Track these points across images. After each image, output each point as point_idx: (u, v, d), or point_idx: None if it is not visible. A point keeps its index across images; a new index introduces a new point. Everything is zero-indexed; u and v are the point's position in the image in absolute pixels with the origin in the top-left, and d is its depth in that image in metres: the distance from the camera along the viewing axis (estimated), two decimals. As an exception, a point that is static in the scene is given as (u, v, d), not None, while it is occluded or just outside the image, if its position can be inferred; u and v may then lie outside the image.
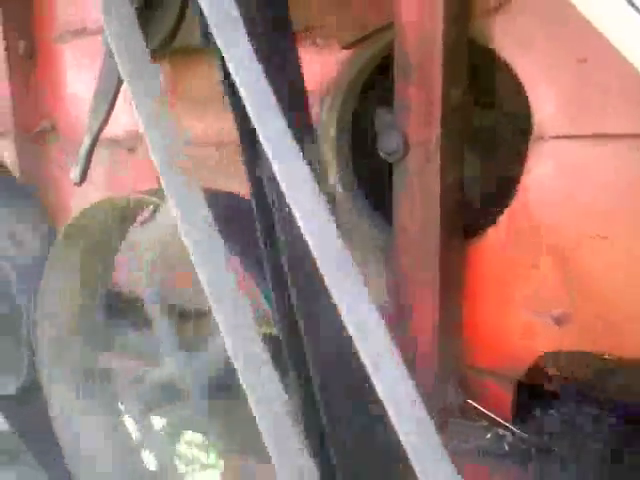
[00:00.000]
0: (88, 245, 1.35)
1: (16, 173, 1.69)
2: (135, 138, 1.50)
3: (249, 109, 0.75)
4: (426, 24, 0.93)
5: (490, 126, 1.22)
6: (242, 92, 0.76)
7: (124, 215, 1.34)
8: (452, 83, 0.94)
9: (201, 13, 0.93)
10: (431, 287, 0.99)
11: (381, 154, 0.99)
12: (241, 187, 1.14)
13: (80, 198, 1.62)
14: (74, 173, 1.42)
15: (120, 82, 1.33)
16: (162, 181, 0.84)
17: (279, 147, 0.72)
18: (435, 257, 0.98)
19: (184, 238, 0.78)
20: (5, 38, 1.63)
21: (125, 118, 1.46)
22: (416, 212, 0.98)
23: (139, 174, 1.51)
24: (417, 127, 0.96)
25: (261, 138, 0.74)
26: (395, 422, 0.58)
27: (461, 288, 1.03)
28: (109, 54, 1.35)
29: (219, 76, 1.00)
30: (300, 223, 0.66)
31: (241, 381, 0.66)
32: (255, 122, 0.74)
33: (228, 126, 1.29)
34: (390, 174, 1.03)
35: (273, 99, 0.74)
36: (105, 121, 1.37)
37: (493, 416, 1.06)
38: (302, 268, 0.91)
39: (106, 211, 1.28)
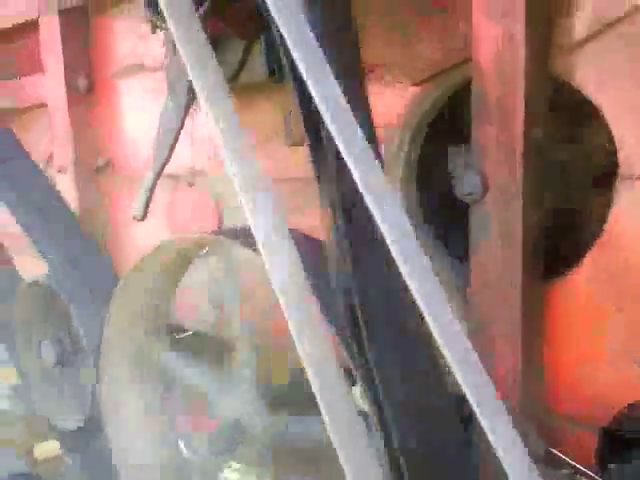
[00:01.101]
0: (150, 285, 1.36)
1: (75, 207, 1.71)
2: (194, 174, 1.51)
3: (339, 143, 0.74)
4: (506, 61, 0.90)
5: (569, 161, 1.19)
6: (332, 129, 0.75)
7: (185, 255, 1.34)
8: (533, 121, 0.92)
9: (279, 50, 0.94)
10: (512, 331, 0.96)
11: (457, 195, 0.97)
12: (309, 222, 1.13)
13: (139, 232, 1.63)
14: (136, 209, 1.43)
15: (183, 120, 1.33)
16: (248, 217, 0.84)
17: (375, 192, 0.71)
18: (516, 300, 0.95)
19: (271, 280, 0.78)
20: (66, 74, 1.66)
21: (184, 154, 1.47)
22: (496, 254, 0.95)
23: (198, 209, 1.51)
24: (496, 167, 0.93)
25: (352, 170, 0.73)
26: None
27: (543, 332, 0.99)
28: (172, 91, 1.36)
29: (295, 107, 0.99)
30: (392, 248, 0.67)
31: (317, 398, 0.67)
32: (344, 153, 0.74)
33: (294, 161, 1.30)
34: (458, 211, 1.00)
35: (359, 131, 0.74)
36: (168, 158, 1.37)
37: (576, 464, 1.01)
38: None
39: (168, 253, 1.28)
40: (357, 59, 0.98)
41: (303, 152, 1.26)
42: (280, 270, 0.79)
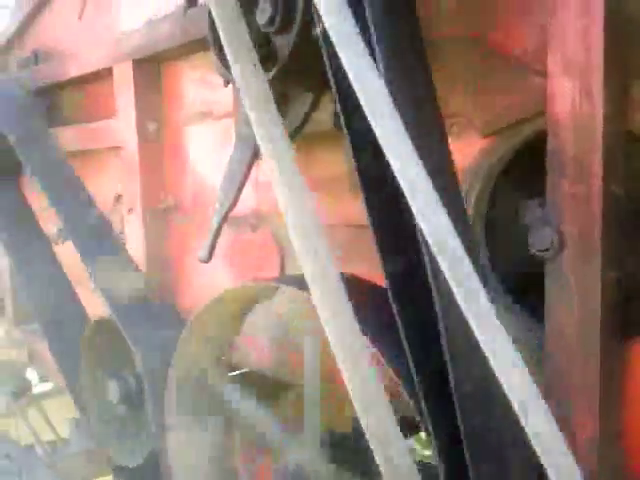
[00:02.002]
0: (213, 330, 1.38)
1: (142, 247, 1.76)
2: (259, 217, 1.53)
3: (405, 189, 0.75)
4: (583, 117, 0.89)
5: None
6: (399, 176, 0.76)
7: (249, 302, 1.35)
8: (612, 177, 0.89)
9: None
10: (589, 393, 0.92)
11: (532, 251, 0.95)
12: (371, 268, 1.13)
13: (203, 273, 1.66)
14: (202, 252, 1.46)
15: (250, 168, 1.36)
16: (303, 265, 0.85)
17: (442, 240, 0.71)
18: (595, 360, 0.91)
19: (325, 327, 0.79)
20: (137, 120, 1.73)
21: (249, 198, 1.50)
22: (573, 312, 0.92)
23: (261, 253, 1.53)
24: (574, 224, 0.91)
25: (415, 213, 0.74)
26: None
27: (622, 394, 0.94)
28: (239, 139, 1.39)
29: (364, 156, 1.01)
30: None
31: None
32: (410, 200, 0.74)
33: (357, 208, 1.31)
34: (531, 266, 0.98)
35: (427, 177, 0.75)
36: (234, 202, 1.40)
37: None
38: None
39: (233, 301, 1.30)
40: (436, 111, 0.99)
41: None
42: (333, 321, 0.80)
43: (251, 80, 0.95)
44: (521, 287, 1.10)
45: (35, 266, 2.09)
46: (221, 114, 1.59)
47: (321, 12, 0.82)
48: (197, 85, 1.66)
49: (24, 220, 2.22)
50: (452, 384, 0.90)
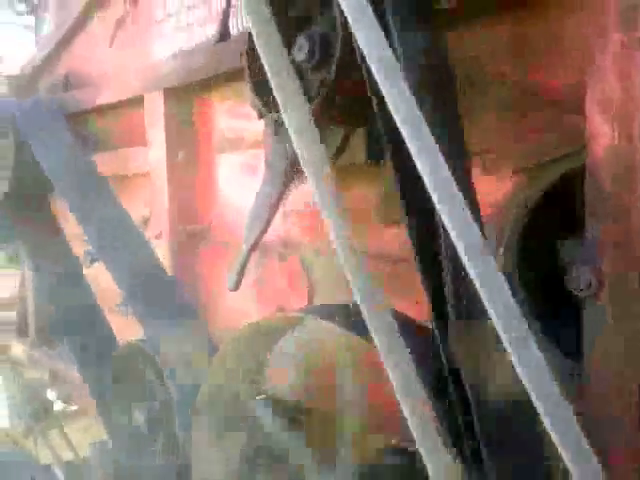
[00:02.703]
0: (243, 359, 1.38)
1: (170, 272, 1.77)
2: (288, 246, 1.54)
3: (446, 221, 0.76)
4: (623, 158, 0.89)
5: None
6: (440, 207, 0.77)
7: (278, 331, 1.36)
8: (652, 218, 0.89)
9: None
10: (629, 430, 0.91)
11: (570, 289, 0.94)
12: (405, 300, 1.14)
13: (231, 299, 1.67)
14: (230, 280, 1.47)
15: (280, 198, 1.38)
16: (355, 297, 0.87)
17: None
18: (635, 406, 0.90)
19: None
20: (167, 147, 1.76)
21: (277, 226, 1.51)
22: (611, 350, 0.91)
23: (289, 281, 1.54)
24: (612, 263, 0.90)
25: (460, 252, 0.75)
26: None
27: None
28: (270, 169, 1.41)
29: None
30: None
31: None
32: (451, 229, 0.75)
33: (388, 239, 1.32)
34: (567, 303, 0.98)
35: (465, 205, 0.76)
36: (263, 231, 1.41)
37: None
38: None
39: (262, 331, 1.31)
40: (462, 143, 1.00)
41: (397, 231, 1.28)
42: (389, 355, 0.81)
43: (295, 111, 0.97)
44: (561, 326, 1.10)
45: (63, 288, 2.11)
46: (250, 143, 1.61)
47: (363, 47, 0.83)
48: (227, 115, 1.68)
49: (53, 241, 2.25)
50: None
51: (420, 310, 1.13)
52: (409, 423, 0.80)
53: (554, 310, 1.11)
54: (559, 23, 1.00)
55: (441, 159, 0.81)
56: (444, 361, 0.99)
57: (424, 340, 1.03)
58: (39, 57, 2.54)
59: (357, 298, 0.90)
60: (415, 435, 0.80)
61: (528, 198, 1.10)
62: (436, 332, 1.00)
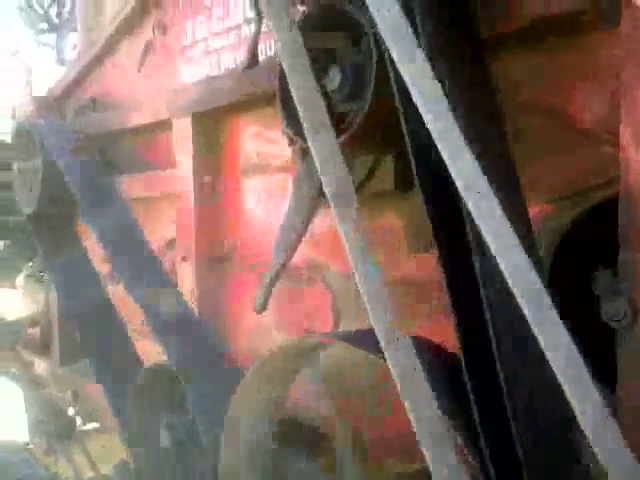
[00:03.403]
0: (268, 383, 1.38)
1: (195, 293, 1.79)
2: (314, 270, 1.55)
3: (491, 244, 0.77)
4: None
5: None
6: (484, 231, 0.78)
7: (304, 356, 1.36)
8: (688, 248, 0.89)
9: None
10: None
11: (603, 319, 0.94)
12: (433, 327, 1.14)
13: (255, 322, 1.68)
14: (256, 302, 1.48)
15: (307, 222, 1.39)
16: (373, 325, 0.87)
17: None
18: (672, 434, 0.89)
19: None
20: (194, 170, 1.78)
21: (303, 249, 1.52)
22: (648, 384, 0.91)
23: (314, 305, 1.54)
24: (648, 294, 0.90)
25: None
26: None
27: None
28: (297, 194, 1.42)
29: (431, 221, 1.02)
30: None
31: None
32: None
33: (416, 267, 1.32)
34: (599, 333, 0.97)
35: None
36: (290, 255, 1.42)
37: None
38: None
39: (288, 355, 1.31)
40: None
41: (426, 259, 1.29)
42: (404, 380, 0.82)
43: (323, 141, 0.99)
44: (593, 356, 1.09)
45: (87, 306, 2.13)
46: (277, 168, 1.63)
47: (406, 79, 0.85)
48: (254, 139, 1.70)
49: (78, 260, 2.28)
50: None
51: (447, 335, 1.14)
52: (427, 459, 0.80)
53: (587, 341, 1.11)
54: (593, 52, 1.01)
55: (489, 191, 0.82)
56: (470, 390, 0.99)
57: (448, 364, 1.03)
58: (67, 79, 2.60)
59: (376, 330, 0.90)
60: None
61: (560, 228, 1.10)
62: (463, 357, 1.00)
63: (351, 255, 0.93)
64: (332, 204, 0.94)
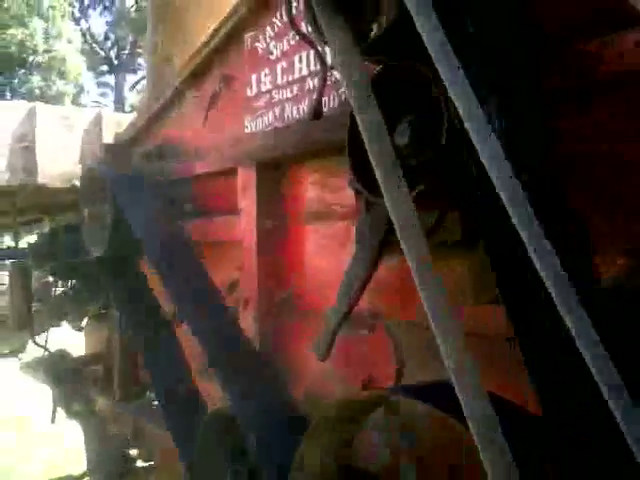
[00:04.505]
0: (332, 434, 1.38)
1: (256, 341, 1.81)
2: (376, 317, 1.56)
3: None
4: None
5: None
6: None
7: (366, 410, 1.36)
8: None
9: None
10: None
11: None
12: (498, 380, 1.12)
13: (316, 369, 1.69)
14: (318, 349, 1.49)
15: (371, 272, 1.40)
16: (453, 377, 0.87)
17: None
18: None
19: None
20: (258, 217, 1.83)
21: (367, 297, 1.53)
22: None
23: (377, 353, 1.54)
24: None
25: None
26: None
27: None
28: (361, 242, 1.44)
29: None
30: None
31: None
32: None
33: (480, 318, 1.31)
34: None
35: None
36: (354, 303, 1.44)
37: None
38: None
39: (350, 411, 1.31)
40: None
41: (490, 310, 1.28)
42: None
43: (397, 196, 1.01)
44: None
45: (154, 347, 2.19)
46: (340, 215, 1.65)
47: (474, 141, 0.87)
48: (316, 186, 1.74)
49: (143, 299, 2.35)
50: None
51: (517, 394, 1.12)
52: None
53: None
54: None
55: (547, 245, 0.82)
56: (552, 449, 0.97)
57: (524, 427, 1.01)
58: (134, 127, 2.73)
59: (452, 379, 0.91)
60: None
61: (638, 280, 1.08)
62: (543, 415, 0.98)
63: (426, 300, 0.94)
64: (408, 258, 0.96)
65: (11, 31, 25.20)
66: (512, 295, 1.03)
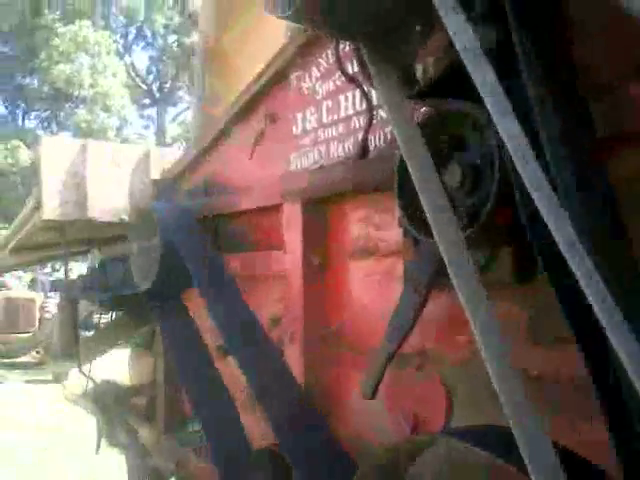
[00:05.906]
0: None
1: (301, 376, 1.82)
2: (424, 356, 1.55)
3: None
4: None
5: None
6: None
7: (415, 454, 1.34)
8: None
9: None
10: None
11: None
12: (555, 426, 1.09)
13: (362, 407, 1.68)
14: (366, 387, 1.49)
15: (420, 310, 1.40)
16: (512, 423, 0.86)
17: None
18: None
19: None
20: (303, 252, 1.86)
21: (415, 336, 1.53)
22: None
23: (425, 393, 1.53)
24: None
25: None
26: None
27: None
28: (409, 281, 1.45)
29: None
30: None
31: None
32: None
33: (535, 359, 1.29)
34: None
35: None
36: (401, 343, 1.43)
37: None
38: None
39: (399, 457, 1.30)
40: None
41: (543, 351, 1.26)
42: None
43: (449, 237, 1.02)
44: None
45: (195, 377, 2.22)
46: (386, 252, 1.66)
47: (524, 178, 0.87)
48: (361, 223, 1.76)
49: (187, 332, 2.39)
50: None
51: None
52: None
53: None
54: None
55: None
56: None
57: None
58: (182, 163, 2.81)
59: (511, 423, 0.89)
60: None
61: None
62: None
63: (480, 338, 0.93)
64: (461, 297, 0.96)
65: (59, 67, 26.36)
66: (587, 335, 1.00)
